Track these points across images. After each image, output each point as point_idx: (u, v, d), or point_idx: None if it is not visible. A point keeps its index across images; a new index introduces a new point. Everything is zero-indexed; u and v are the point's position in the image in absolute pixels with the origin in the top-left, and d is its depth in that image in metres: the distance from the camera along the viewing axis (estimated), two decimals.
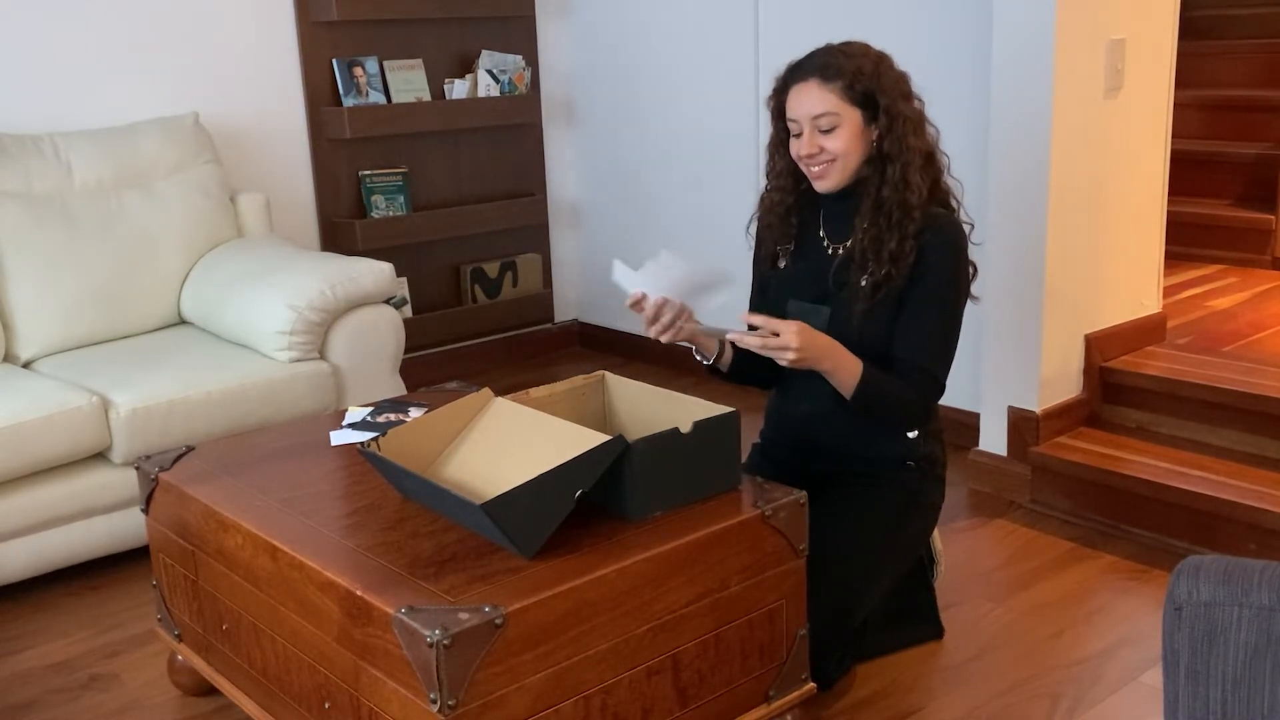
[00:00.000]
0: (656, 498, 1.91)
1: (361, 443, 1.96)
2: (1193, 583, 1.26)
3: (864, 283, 2.18)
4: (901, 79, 2.20)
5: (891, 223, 2.16)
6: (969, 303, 2.29)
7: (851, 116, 2.16)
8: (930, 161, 2.21)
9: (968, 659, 2.40)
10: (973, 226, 2.29)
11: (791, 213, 2.33)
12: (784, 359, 2.07)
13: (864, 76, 2.15)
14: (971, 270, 2.29)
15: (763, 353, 2.08)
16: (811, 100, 2.17)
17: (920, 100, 2.23)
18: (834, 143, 2.17)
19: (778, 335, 2.05)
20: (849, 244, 2.24)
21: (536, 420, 2.00)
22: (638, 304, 2.14)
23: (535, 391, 2.15)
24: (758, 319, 2.07)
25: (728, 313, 2.16)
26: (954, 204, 2.27)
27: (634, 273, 2.12)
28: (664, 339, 2.11)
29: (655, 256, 2.09)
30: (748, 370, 2.31)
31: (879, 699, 2.27)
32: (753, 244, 2.44)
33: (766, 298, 2.38)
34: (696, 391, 2.18)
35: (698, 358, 2.30)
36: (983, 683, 2.31)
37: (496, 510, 1.71)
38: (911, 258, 2.16)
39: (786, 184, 2.32)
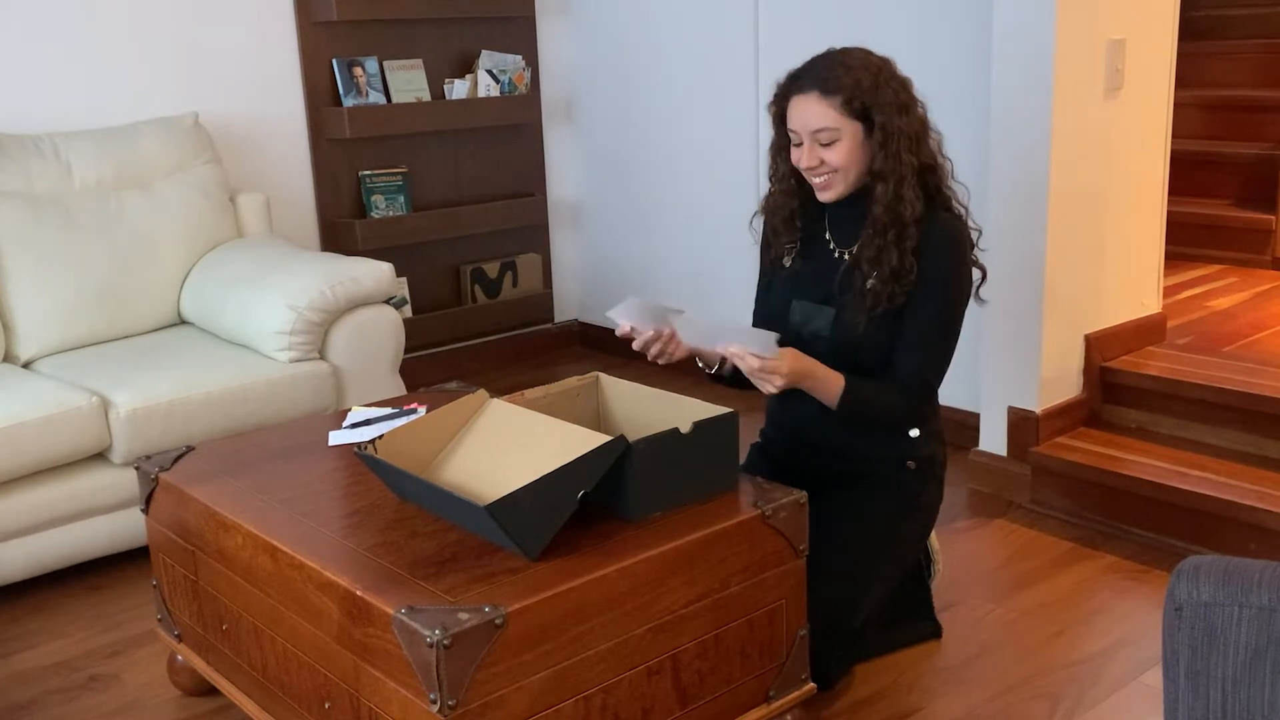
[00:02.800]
0: (656, 498, 1.91)
1: (358, 445, 1.96)
2: (1193, 583, 1.26)
3: (868, 286, 2.18)
4: (901, 88, 2.18)
5: (888, 240, 2.15)
6: (975, 304, 2.29)
7: (851, 130, 2.15)
8: (931, 172, 2.21)
9: (967, 659, 2.40)
10: (980, 232, 2.29)
11: (795, 216, 2.33)
12: (769, 387, 2.08)
13: (863, 91, 2.13)
14: (980, 274, 2.28)
15: (750, 377, 2.09)
16: (811, 114, 2.16)
17: (923, 105, 2.22)
18: (834, 156, 2.17)
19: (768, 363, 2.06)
20: (854, 249, 2.24)
21: (534, 422, 2.00)
22: (626, 335, 2.19)
23: (530, 393, 2.15)
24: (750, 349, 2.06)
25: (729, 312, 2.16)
26: (958, 208, 2.26)
27: (635, 308, 2.17)
28: (660, 362, 2.19)
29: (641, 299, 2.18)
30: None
31: (879, 699, 2.27)
32: (757, 239, 2.44)
33: (770, 296, 2.39)
34: (694, 393, 2.18)
35: (701, 366, 2.32)
36: (983, 683, 2.31)
37: (501, 512, 1.70)
38: (914, 274, 2.16)
39: (789, 187, 2.32)
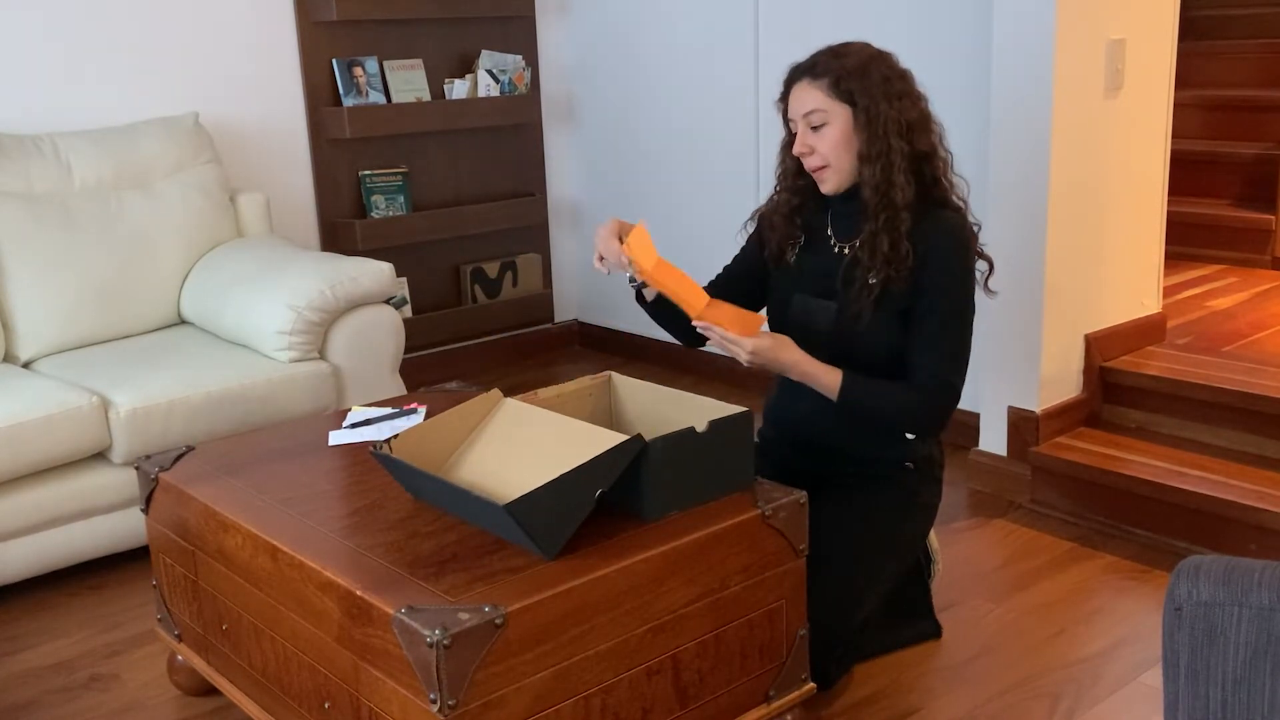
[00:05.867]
0: (672, 497, 1.91)
1: (373, 444, 1.96)
2: (1193, 583, 1.26)
3: (871, 282, 2.19)
4: (895, 78, 2.20)
5: (880, 224, 2.16)
6: (988, 298, 2.31)
7: (840, 113, 2.18)
8: (927, 160, 2.21)
9: (967, 659, 2.40)
10: (980, 226, 2.30)
11: (797, 214, 2.34)
12: (741, 360, 2.17)
13: (848, 74, 2.17)
14: (987, 265, 2.31)
15: (720, 349, 2.18)
16: (802, 97, 2.21)
17: (924, 99, 2.23)
18: (823, 142, 2.19)
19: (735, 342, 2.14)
20: (856, 244, 2.24)
21: (549, 421, 2.00)
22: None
23: (544, 392, 2.15)
24: (714, 330, 2.15)
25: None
26: (957, 201, 2.27)
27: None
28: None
29: None
30: (667, 314, 2.36)
31: (879, 699, 2.27)
32: (744, 238, 2.46)
33: (772, 294, 2.39)
34: (697, 391, 2.19)
35: (630, 280, 2.29)
36: (983, 683, 2.31)
37: (520, 511, 1.70)
38: (910, 260, 2.16)
39: (792, 184, 2.34)
